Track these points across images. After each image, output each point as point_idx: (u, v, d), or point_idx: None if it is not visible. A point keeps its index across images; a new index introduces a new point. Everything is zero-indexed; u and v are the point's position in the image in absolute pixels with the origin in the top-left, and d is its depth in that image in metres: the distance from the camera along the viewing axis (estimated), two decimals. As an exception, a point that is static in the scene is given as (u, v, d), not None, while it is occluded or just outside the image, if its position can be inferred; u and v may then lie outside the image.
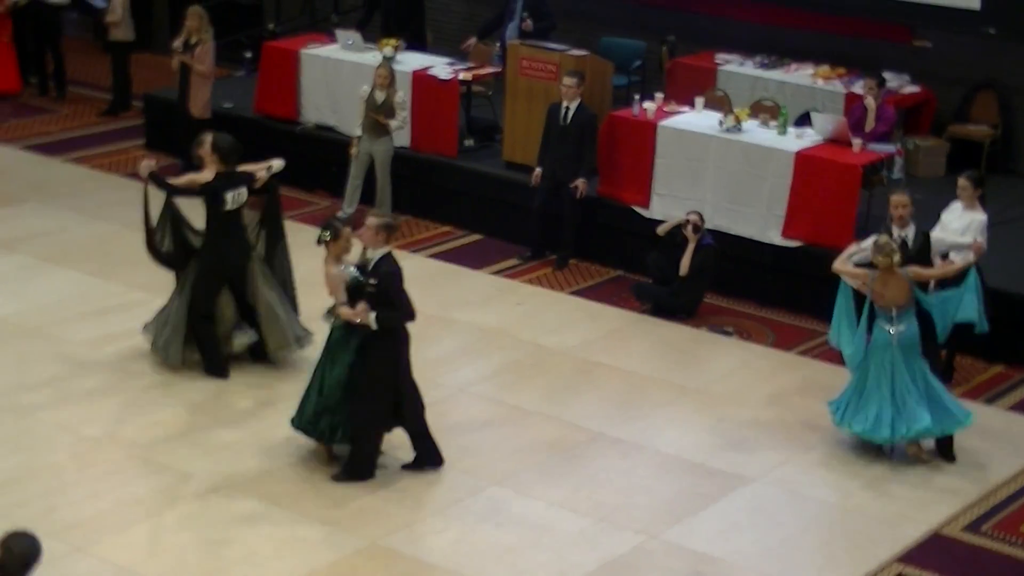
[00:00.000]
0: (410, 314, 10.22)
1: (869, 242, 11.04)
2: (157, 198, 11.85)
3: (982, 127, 15.79)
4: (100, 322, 12.70)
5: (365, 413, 10.34)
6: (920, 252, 11.26)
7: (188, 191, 11.76)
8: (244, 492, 10.26)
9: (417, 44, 16.74)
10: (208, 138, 11.92)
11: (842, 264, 11.07)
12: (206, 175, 11.69)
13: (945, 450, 11.08)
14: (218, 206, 11.62)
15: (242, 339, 12.00)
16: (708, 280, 13.56)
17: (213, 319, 11.83)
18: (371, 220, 10.27)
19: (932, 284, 11.19)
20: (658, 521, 10.15)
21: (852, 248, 11.25)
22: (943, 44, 16.05)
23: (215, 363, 11.86)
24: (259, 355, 12.06)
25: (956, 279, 11.12)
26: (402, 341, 10.35)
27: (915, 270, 10.90)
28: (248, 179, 11.82)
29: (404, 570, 9.50)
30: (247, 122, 16.77)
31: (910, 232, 11.36)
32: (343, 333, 10.38)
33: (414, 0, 16.97)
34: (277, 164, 12.09)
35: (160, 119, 17.19)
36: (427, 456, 10.61)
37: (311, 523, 9.92)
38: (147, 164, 11.73)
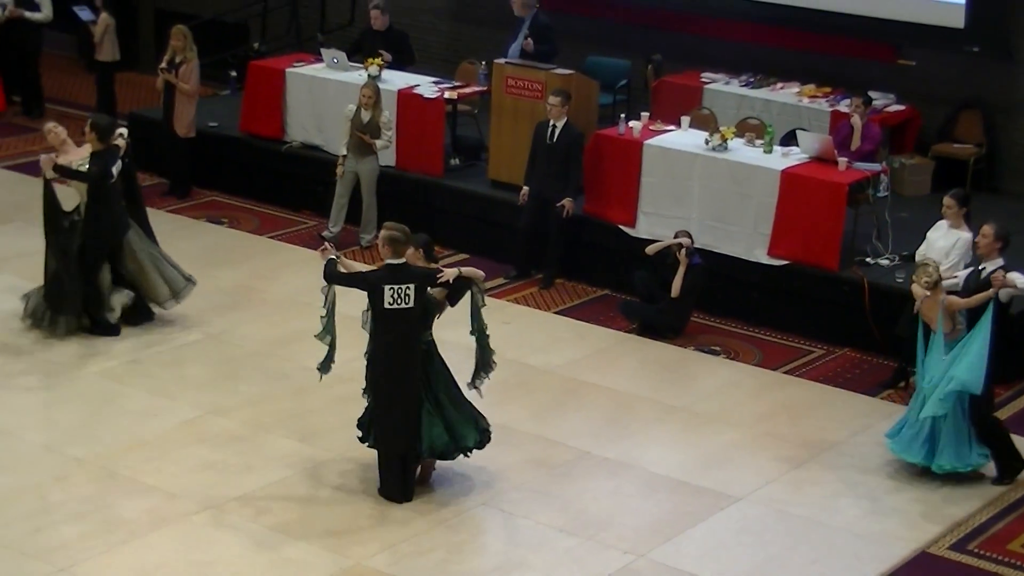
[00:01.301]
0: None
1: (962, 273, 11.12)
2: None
3: (967, 145, 15.84)
4: (84, 343, 12.67)
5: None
6: (981, 286, 10.96)
7: (82, 176, 12.54)
8: (229, 512, 10.23)
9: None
10: (51, 126, 12.99)
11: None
12: (71, 157, 12.65)
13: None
14: (107, 180, 12.47)
15: (121, 299, 12.83)
16: (696, 299, 13.57)
17: (101, 285, 12.73)
18: (380, 233, 10.44)
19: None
20: (645, 540, 10.14)
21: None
22: (928, 63, 16.11)
23: (105, 325, 12.74)
24: (138, 316, 13.01)
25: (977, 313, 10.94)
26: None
27: (950, 299, 10.93)
28: (118, 151, 12.67)
29: (390, 590, 9.51)
30: (233, 141, 16.78)
31: (991, 265, 11.03)
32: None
33: (400, 51, 16.88)
34: (124, 131, 13.07)
35: (145, 138, 17.12)
36: None
37: (296, 543, 9.90)
38: (48, 157, 12.61)
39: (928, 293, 11.01)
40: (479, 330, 10.63)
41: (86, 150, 12.64)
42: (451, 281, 10.34)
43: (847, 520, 10.53)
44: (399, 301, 10.17)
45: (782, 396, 12.43)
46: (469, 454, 10.60)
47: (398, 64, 16.46)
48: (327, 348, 10.66)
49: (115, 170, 12.55)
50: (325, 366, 10.70)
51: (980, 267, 11.08)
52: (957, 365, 10.76)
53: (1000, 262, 11.03)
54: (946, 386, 10.77)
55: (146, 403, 11.74)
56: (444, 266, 10.67)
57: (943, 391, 10.78)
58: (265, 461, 10.93)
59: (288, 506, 10.36)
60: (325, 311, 10.59)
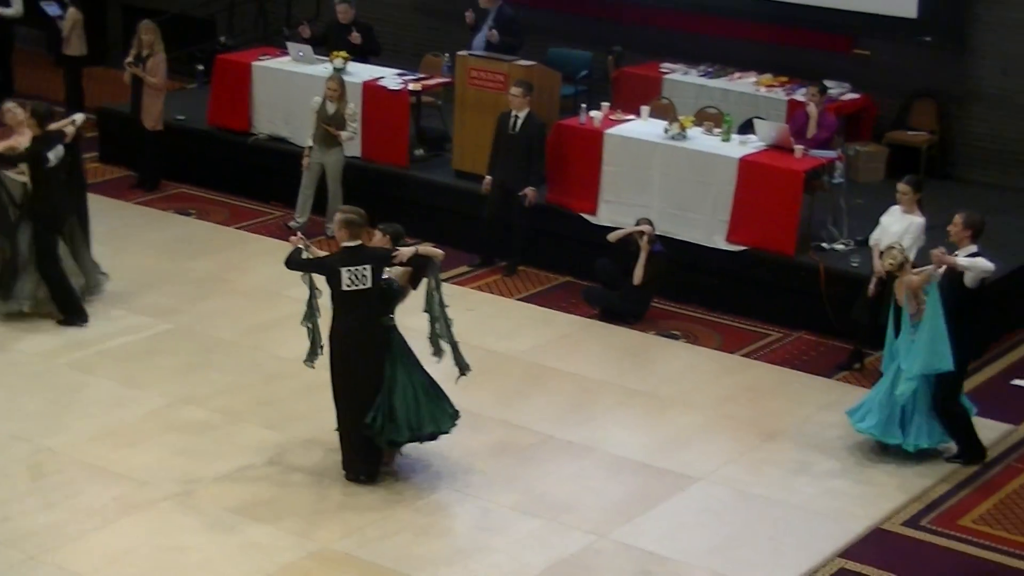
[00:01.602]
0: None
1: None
2: None
3: (920, 133, 15.95)
4: (54, 333, 12.67)
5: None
6: (953, 275, 10.96)
7: (14, 158, 12.57)
8: (198, 499, 10.26)
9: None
10: (10, 105, 12.97)
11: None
12: (23, 140, 12.62)
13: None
14: (43, 166, 12.48)
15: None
16: (657, 285, 13.63)
17: (61, 269, 12.80)
18: (336, 216, 10.50)
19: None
20: (608, 521, 10.20)
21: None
22: (882, 53, 16.20)
23: (74, 309, 12.83)
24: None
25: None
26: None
27: (907, 278, 11.02)
28: (61, 137, 12.71)
29: (357, 574, 9.51)
30: (200, 134, 16.77)
31: (963, 252, 11.03)
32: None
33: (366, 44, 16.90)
34: (79, 118, 13.17)
35: (114, 132, 17.16)
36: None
37: (264, 527, 9.92)
38: None
39: (890, 274, 11.12)
40: (440, 313, 10.61)
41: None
42: (407, 259, 10.34)
43: (804, 499, 10.61)
44: (356, 282, 10.18)
45: (741, 379, 12.51)
46: (438, 437, 10.62)
47: (364, 56, 16.49)
48: (310, 337, 10.66)
49: (52, 155, 12.51)
50: (311, 356, 10.70)
51: (953, 254, 11.14)
52: (918, 345, 10.86)
53: (972, 249, 11.09)
54: (911, 367, 10.88)
55: (116, 392, 11.74)
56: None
57: (909, 372, 10.89)
58: (234, 448, 10.95)
59: (256, 492, 10.38)
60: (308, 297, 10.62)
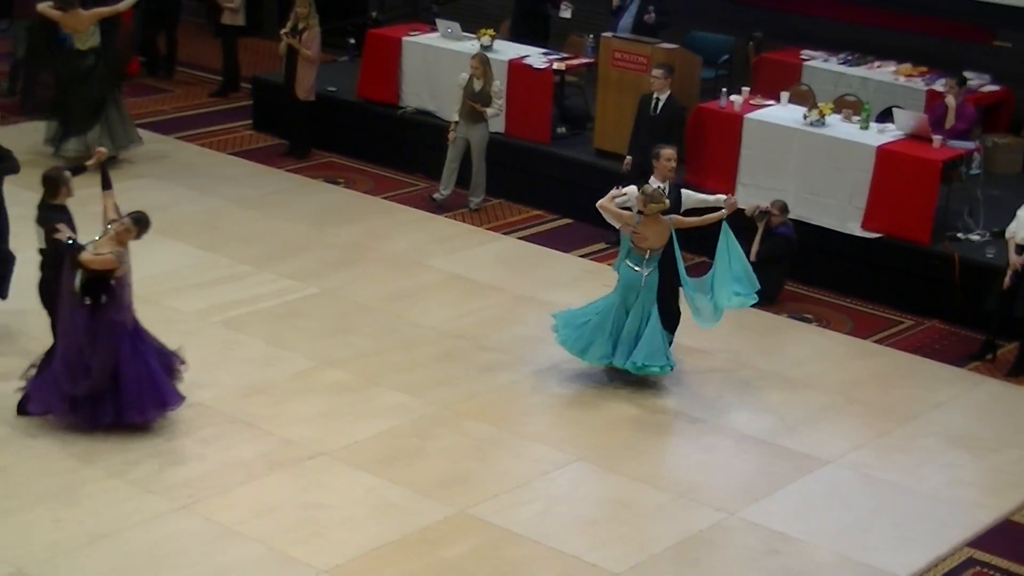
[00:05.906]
0: None
1: (632, 189, 11.45)
2: None
3: (1059, 127, 15.56)
4: (208, 293, 12.80)
5: None
6: (673, 204, 11.51)
7: None
8: (340, 459, 10.29)
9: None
10: None
11: (609, 203, 11.42)
12: None
13: None
14: None
15: None
16: (785, 267, 13.42)
17: None
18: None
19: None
20: (735, 499, 10.07)
21: (615, 191, 11.55)
22: (1023, 45, 15.79)
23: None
24: None
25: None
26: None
27: (676, 218, 11.37)
28: None
29: (490, 538, 9.49)
30: (350, 105, 16.83)
31: (667, 186, 11.59)
32: None
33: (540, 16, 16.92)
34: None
35: (267, 101, 17.28)
36: None
37: (403, 490, 9.93)
38: None
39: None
40: None
41: None
42: None
43: (932, 486, 10.39)
44: None
45: (872, 364, 12.28)
46: None
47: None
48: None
49: None
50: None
51: (662, 187, 11.55)
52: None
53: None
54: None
55: (264, 352, 11.82)
56: None
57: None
58: (374, 411, 10.97)
59: (395, 455, 10.39)
60: None
